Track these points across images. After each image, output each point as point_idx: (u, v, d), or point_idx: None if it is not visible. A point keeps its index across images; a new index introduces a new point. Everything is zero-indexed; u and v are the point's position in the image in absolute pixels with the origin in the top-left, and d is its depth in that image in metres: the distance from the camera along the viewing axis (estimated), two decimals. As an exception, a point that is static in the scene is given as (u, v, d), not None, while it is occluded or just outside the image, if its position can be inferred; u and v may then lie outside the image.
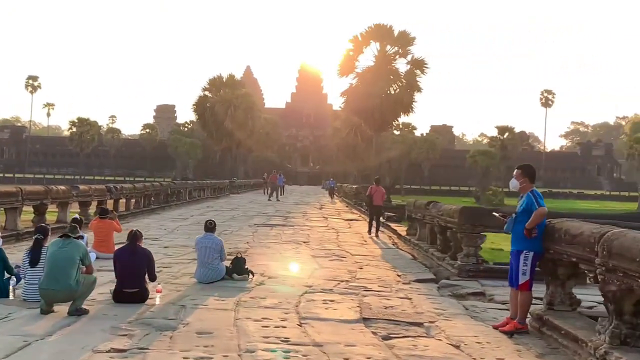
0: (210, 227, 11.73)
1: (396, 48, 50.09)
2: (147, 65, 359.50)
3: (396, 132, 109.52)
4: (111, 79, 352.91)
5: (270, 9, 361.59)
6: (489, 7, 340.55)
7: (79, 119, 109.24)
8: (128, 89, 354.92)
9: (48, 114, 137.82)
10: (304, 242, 19.03)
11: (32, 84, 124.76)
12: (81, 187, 21.23)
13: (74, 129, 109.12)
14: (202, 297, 9.92)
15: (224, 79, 73.86)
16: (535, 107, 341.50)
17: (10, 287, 9.44)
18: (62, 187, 19.55)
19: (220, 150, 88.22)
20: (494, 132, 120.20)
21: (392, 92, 49.43)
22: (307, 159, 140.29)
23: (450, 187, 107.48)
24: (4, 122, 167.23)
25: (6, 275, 9.57)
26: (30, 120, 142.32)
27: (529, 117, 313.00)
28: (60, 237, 8.79)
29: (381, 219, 24.29)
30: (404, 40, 49.64)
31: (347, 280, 12.10)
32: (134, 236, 9.58)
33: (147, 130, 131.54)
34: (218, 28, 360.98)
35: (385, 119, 49.78)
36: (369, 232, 22.91)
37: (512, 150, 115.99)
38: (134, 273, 9.22)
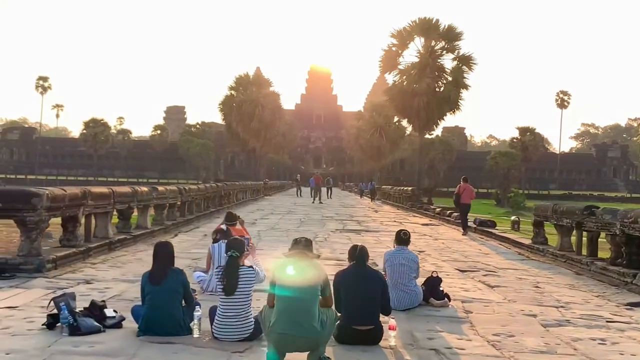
0: (404, 238, 9.23)
1: (443, 43, 47.38)
2: (156, 66, 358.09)
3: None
4: (119, 80, 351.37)
5: (280, 10, 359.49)
6: (494, 6, 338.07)
7: (93, 120, 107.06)
8: (136, 90, 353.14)
9: (57, 115, 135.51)
10: (419, 252, 16.64)
11: (43, 84, 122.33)
12: (159, 188, 18.83)
13: (87, 130, 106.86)
14: (435, 334, 7.50)
15: (251, 77, 71.39)
16: (548, 108, 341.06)
17: (195, 321, 7.03)
18: (145, 189, 17.15)
19: (239, 152, 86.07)
20: (502, 134, 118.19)
21: (439, 90, 46.84)
22: (320, 161, 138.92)
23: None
24: (11, 124, 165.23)
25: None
26: (40, 122, 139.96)
27: (538, 119, 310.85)
28: (293, 255, 6.39)
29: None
30: (451, 35, 46.96)
31: (553, 307, 9.65)
32: (362, 253, 7.09)
33: (158, 131, 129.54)
34: (227, 28, 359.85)
35: (431, 118, 47.17)
36: (465, 232, 22.81)
37: (532, 152, 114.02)
38: (366, 304, 6.76)
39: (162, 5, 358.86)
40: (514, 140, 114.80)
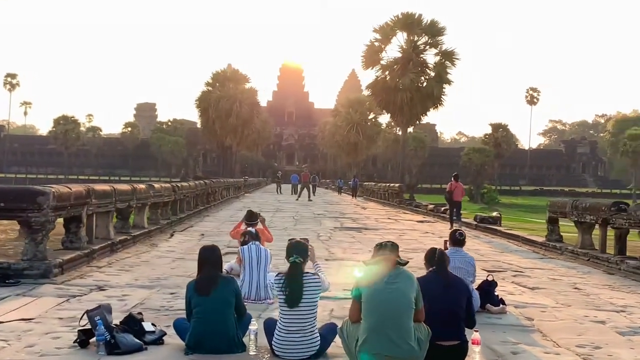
0: (460, 239, 8.40)
1: (425, 38, 46.95)
2: (126, 63, 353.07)
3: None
4: (87, 78, 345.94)
5: (251, 6, 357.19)
6: (462, 3, 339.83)
7: (63, 117, 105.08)
8: (105, 88, 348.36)
9: (25, 113, 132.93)
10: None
11: (11, 81, 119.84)
12: (155, 185, 17.86)
13: (57, 127, 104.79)
14: (516, 347, 6.72)
15: (228, 73, 70.24)
16: (517, 105, 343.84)
17: (251, 336, 6.17)
18: (142, 186, 16.18)
19: (212, 149, 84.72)
20: (472, 131, 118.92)
21: (422, 85, 46.34)
22: (293, 158, 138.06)
23: (440, 185, 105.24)
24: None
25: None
26: (8, 119, 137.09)
27: (507, 115, 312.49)
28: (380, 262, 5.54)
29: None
30: (434, 30, 46.53)
31: (613, 311, 8.95)
32: (443, 258, 6.22)
33: (129, 128, 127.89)
34: (197, 25, 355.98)
35: (414, 114, 46.65)
36: (451, 227, 22.18)
37: (505, 148, 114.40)
38: (451, 317, 5.93)
39: (132, 1, 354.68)
40: (487, 136, 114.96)
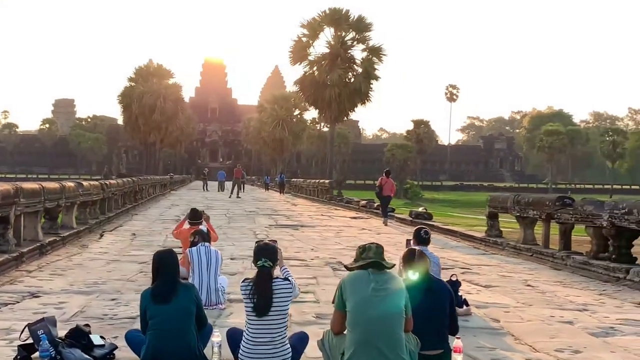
0: (425, 237, 7.98)
1: (353, 34, 46.72)
2: (43, 58, 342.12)
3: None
4: (2, 73, 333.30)
5: (173, 1, 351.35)
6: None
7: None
8: (21, 83, 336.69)
9: None
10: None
11: None
12: (84, 183, 16.95)
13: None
14: (494, 353, 6.37)
15: (152, 68, 68.54)
16: (437, 101, 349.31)
17: (215, 349, 5.61)
18: (71, 184, 15.30)
19: (133, 146, 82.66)
20: (394, 127, 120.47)
21: (350, 81, 46.16)
22: (217, 155, 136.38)
23: (364, 181, 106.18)
24: None
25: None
26: None
27: (427, 112, 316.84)
28: (364, 266, 5.02)
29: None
30: (361, 26, 46.34)
31: (576, 310, 8.79)
32: (423, 259, 5.74)
33: (46, 125, 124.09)
34: (116, 19, 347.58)
35: (342, 110, 46.42)
36: (385, 223, 22.91)
37: (427, 144, 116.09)
38: (435, 324, 5.47)
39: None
40: (409, 132, 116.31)
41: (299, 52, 47.02)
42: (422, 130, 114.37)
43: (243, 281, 5.59)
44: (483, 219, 34.89)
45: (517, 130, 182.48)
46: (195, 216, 10.46)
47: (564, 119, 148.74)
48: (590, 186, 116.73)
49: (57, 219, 14.25)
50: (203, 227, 10.23)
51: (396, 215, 25.77)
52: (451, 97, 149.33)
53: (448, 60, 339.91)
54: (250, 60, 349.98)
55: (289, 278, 5.68)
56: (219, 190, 50.92)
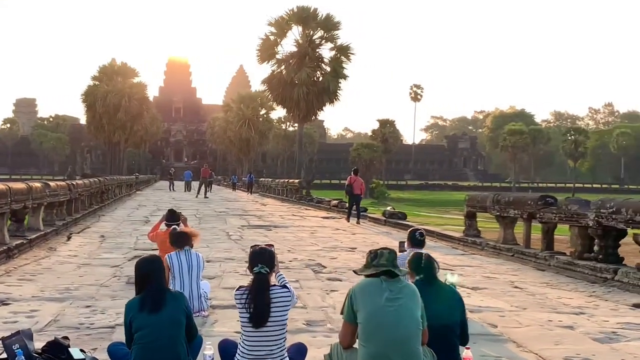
0: (420, 239, 7.62)
1: (321, 32, 46.46)
2: (3, 57, 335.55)
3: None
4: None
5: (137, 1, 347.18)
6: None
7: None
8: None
9: None
10: (352, 249, 15.34)
11: None
12: (52, 184, 16.33)
13: None
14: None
15: (116, 67, 67.40)
16: (401, 101, 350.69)
17: (208, 363, 5.20)
18: (38, 185, 14.69)
19: (96, 146, 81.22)
20: (358, 127, 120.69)
21: (318, 80, 45.86)
22: (181, 154, 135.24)
23: (330, 181, 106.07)
24: None
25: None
26: None
27: (392, 112, 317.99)
28: (377, 274, 4.62)
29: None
30: (329, 25, 46.11)
31: (572, 313, 8.53)
32: (431, 265, 5.36)
33: (7, 125, 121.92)
34: (79, 18, 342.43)
35: (310, 109, 46.10)
36: (348, 219, 23.53)
37: (392, 143, 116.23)
38: (446, 334, 5.05)
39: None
40: (374, 132, 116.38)
41: (267, 51, 46.63)
42: (387, 130, 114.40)
43: (238, 289, 5.18)
44: (453, 218, 35.14)
45: (480, 130, 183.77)
46: (173, 217, 10.00)
47: (526, 119, 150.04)
48: (553, 185, 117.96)
49: (24, 221, 13.63)
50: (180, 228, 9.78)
51: (369, 215, 25.48)
52: (415, 97, 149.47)
53: (412, 60, 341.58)
54: (214, 60, 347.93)
55: (287, 285, 5.29)
56: (185, 190, 50.26)
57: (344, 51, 46.56)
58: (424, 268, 5.25)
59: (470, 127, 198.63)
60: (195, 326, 5.45)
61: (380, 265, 4.50)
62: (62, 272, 10.90)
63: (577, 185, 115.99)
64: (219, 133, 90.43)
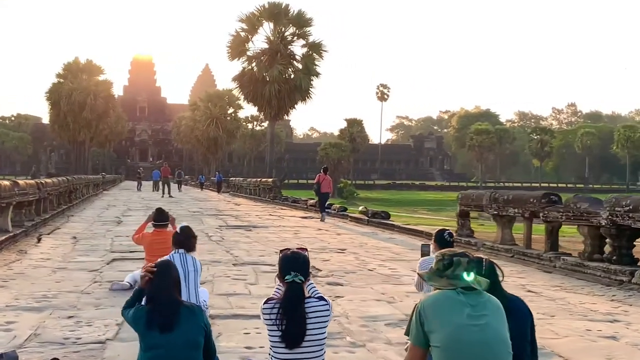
0: (449, 240, 6.80)
1: (293, 29, 45.63)
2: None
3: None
4: None
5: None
6: None
7: None
8: None
9: None
10: (341, 250, 14.56)
11: None
12: (20, 182, 15.26)
13: None
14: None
15: (81, 64, 65.71)
16: (368, 101, 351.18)
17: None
18: (7, 183, 13.65)
19: (59, 146, 79.16)
20: (324, 127, 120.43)
21: (290, 77, 45.02)
22: (146, 154, 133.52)
23: (298, 181, 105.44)
24: None
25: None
26: None
27: (358, 111, 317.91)
28: (464, 289, 3.62)
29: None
30: (301, 21, 45.29)
31: (606, 321, 7.85)
32: (492, 269, 4.48)
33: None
34: (41, 16, 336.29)
35: (282, 107, 45.24)
36: (323, 219, 23.40)
37: (360, 143, 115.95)
38: (516, 351, 4.25)
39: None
40: (342, 131, 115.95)
41: (238, 48, 45.68)
42: (355, 129, 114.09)
43: (266, 302, 4.36)
44: (423, 217, 34.61)
45: (446, 130, 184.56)
46: (162, 217, 9.12)
47: (491, 119, 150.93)
48: (519, 184, 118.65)
49: (-8, 222, 12.61)
50: (170, 230, 8.97)
51: (349, 214, 24.75)
52: (382, 97, 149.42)
53: (377, 60, 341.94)
54: (179, 59, 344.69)
55: (323, 297, 4.49)
56: (153, 190, 49.02)
57: (316, 48, 45.80)
58: (486, 276, 4.35)
59: (435, 127, 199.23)
60: (214, 346, 4.60)
61: (455, 277, 3.66)
62: (37, 278, 9.95)
63: (543, 184, 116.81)
64: (185, 132, 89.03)
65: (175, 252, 7.02)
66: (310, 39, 45.88)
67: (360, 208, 26.89)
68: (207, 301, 7.27)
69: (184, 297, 6.73)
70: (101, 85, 65.94)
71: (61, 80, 65.23)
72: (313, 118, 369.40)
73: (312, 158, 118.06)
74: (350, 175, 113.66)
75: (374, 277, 10.71)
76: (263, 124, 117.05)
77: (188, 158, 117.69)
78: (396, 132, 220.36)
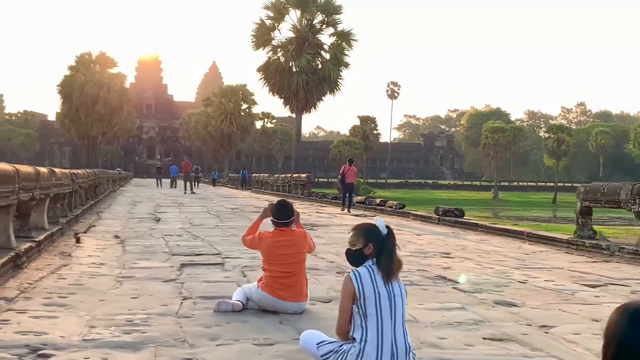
0: None
1: (322, 17, 43.14)
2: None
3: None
4: None
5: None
6: None
7: None
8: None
9: None
10: (445, 254, 12.04)
11: None
12: (57, 171, 12.72)
13: None
14: None
15: (95, 56, 63.25)
16: (378, 99, 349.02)
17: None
18: (45, 170, 11.09)
19: (66, 142, 76.85)
20: (330, 126, 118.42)
21: (318, 68, 42.51)
22: (154, 152, 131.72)
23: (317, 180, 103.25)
24: None
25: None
26: None
27: (367, 109, 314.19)
28: None
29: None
30: (330, 8, 42.80)
31: None
32: None
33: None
34: (47, 14, 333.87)
35: (309, 99, 42.74)
36: (343, 209, 24.40)
37: (373, 141, 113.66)
38: None
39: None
40: (355, 128, 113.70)
41: (263, 36, 43.23)
42: (368, 127, 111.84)
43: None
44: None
45: (454, 129, 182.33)
46: (285, 213, 6.61)
47: (502, 117, 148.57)
48: (533, 183, 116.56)
49: (30, 216, 10.03)
50: (296, 229, 6.54)
51: (412, 212, 22.13)
52: (392, 95, 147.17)
53: (384, 59, 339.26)
54: (186, 57, 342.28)
55: None
56: (171, 187, 46.51)
57: (345, 37, 43.33)
58: None
59: (443, 126, 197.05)
60: None
61: None
62: (103, 292, 7.38)
63: (558, 184, 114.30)
64: (196, 129, 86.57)
65: (368, 266, 4.36)
66: (340, 27, 43.37)
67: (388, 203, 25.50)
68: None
69: (387, 336, 4.22)
70: (114, 78, 63.49)
71: (73, 72, 62.71)
72: (316, 117, 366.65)
73: (321, 157, 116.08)
74: (363, 173, 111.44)
75: (541, 294, 8.02)
76: (274, 120, 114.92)
77: (197, 155, 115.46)
78: (404, 130, 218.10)
